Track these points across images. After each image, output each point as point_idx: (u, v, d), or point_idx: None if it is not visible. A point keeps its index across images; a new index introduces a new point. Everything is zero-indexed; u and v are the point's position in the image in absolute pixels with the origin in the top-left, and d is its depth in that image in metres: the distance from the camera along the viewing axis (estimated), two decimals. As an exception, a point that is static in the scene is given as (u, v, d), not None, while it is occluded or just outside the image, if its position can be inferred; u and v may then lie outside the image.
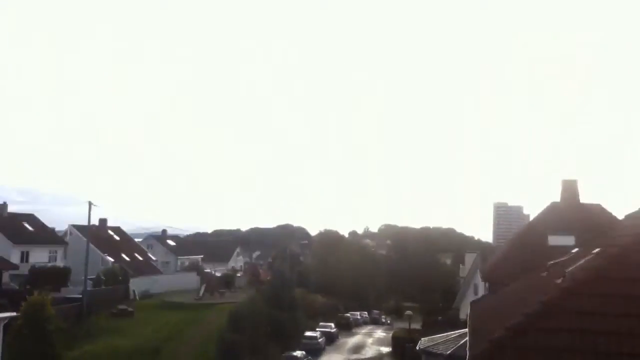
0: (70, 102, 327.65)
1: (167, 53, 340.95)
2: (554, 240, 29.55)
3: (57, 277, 61.79)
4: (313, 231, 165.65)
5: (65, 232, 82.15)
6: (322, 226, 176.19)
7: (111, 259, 76.50)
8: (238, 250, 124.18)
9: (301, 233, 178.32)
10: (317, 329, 60.43)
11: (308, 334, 56.92)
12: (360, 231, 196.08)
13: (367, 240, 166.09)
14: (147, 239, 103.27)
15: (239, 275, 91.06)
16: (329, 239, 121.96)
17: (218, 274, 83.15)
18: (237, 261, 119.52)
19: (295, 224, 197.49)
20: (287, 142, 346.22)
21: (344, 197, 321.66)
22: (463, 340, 24.72)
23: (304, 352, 50.01)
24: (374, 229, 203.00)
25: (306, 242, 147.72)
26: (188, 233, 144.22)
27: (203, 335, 49.48)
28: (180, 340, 48.42)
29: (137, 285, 66.14)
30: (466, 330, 20.23)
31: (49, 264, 68.06)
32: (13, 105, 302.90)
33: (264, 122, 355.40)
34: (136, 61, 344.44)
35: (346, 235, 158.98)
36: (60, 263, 70.40)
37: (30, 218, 76.10)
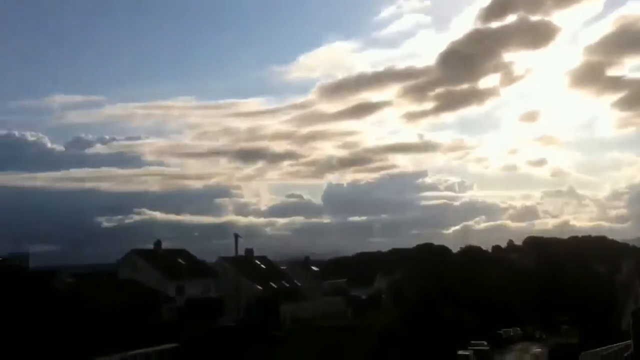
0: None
1: None
2: None
3: (211, 307, 64.63)
4: (455, 248, 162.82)
5: (215, 264, 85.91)
6: (463, 243, 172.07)
7: (260, 287, 79.01)
8: (381, 272, 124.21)
9: (442, 251, 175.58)
10: (469, 347, 59.07)
11: (460, 352, 55.80)
12: (503, 245, 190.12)
13: (513, 255, 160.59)
14: (291, 266, 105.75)
15: (383, 296, 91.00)
16: (472, 255, 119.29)
17: (363, 297, 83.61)
18: (381, 282, 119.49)
19: (436, 242, 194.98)
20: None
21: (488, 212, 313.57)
22: (627, 352, 23.34)
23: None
24: (518, 242, 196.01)
25: (448, 260, 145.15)
26: (330, 257, 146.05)
27: (355, 357, 49.76)
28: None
29: (286, 311, 67.79)
30: (630, 341, 19.05)
31: (204, 295, 71.31)
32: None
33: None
34: None
35: (489, 250, 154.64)
36: (213, 294, 73.59)
37: (182, 253, 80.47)
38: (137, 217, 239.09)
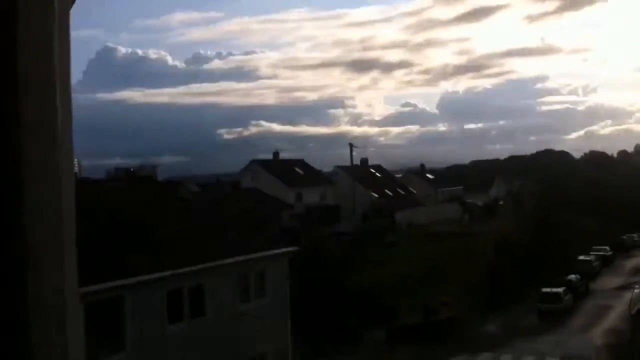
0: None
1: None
2: None
3: (328, 214, 66.54)
4: (577, 154, 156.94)
5: (332, 173, 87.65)
6: (587, 148, 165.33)
7: (375, 195, 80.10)
8: (498, 179, 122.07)
9: (564, 157, 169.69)
10: (591, 253, 57.86)
11: (582, 257, 54.84)
12: (630, 150, 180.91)
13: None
14: (406, 175, 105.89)
15: (500, 203, 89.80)
16: (596, 160, 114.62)
17: (480, 204, 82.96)
18: (499, 190, 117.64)
19: (557, 148, 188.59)
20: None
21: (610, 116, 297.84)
22: None
23: (578, 276, 48.39)
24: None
25: (570, 167, 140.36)
26: (445, 166, 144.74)
27: (471, 263, 50.11)
28: (449, 267, 49.59)
29: (401, 218, 68.62)
30: None
31: (321, 203, 73.37)
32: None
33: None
34: None
35: (614, 155, 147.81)
36: (330, 201, 75.51)
37: (300, 162, 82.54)
38: (254, 130, 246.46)
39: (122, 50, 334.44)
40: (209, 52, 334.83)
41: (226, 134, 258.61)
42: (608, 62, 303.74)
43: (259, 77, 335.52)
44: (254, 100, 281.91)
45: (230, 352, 24.17)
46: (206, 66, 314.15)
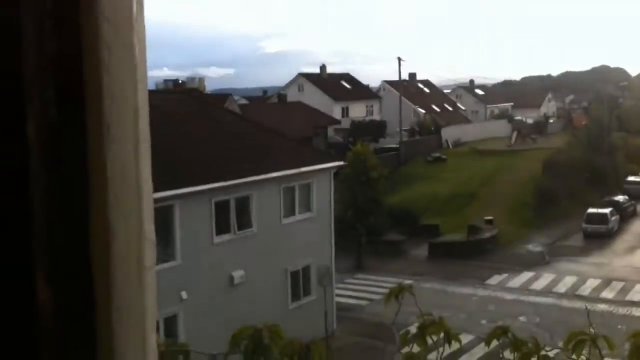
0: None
1: None
2: None
3: (374, 129, 66.25)
4: (634, 71, 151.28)
5: (379, 88, 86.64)
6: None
7: (422, 111, 79.18)
8: (549, 96, 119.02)
9: (619, 74, 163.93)
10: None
11: (631, 178, 53.80)
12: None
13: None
14: (455, 90, 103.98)
15: (551, 121, 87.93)
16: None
17: (529, 121, 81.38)
18: (549, 107, 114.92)
19: (613, 64, 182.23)
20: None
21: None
22: None
23: (626, 197, 47.64)
24: None
25: (626, 84, 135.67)
26: (496, 82, 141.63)
27: (517, 181, 49.67)
28: (495, 186, 49.28)
29: (448, 134, 67.84)
30: None
31: (367, 118, 72.98)
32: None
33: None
34: None
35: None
36: (376, 117, 75.02)
37: (347, 77, 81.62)
38: (300, 42, 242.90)
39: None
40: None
41: (271, 46, 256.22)
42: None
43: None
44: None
45: (274, 263, 24.82)
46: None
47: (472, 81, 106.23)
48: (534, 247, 41.69)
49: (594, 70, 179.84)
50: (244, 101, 71.54)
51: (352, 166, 39.49)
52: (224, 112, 32.80)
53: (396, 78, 68.29)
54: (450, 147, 65.03)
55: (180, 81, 77.08)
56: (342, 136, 62.93)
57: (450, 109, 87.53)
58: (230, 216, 23.41)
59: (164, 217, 20.02)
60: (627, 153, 61.73)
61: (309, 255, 26.46)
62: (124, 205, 0.73)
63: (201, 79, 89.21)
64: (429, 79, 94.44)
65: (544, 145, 61.96)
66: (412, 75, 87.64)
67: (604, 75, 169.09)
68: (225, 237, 23.21)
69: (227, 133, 25.94)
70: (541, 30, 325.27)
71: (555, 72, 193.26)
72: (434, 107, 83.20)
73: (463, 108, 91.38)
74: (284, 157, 25.95)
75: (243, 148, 24.88)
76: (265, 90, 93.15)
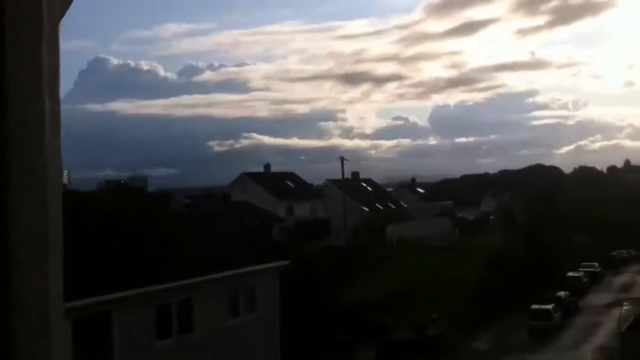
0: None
1: None
2: None
3: (319, 227, 66.35)
4: (567, 169, 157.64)
5: (322, 187, 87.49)
6: (576, 164, 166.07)
7: (366, 209, 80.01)
8: (488, 194, 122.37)
9: (554, 172, 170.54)
10: (580, 269, 57.95)
11: (570, 274, 54.90)
12: (620, 165, 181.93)
13: (630, 175, 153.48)
14: (397, 188, 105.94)
15: (491, 218, 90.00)
16: (586, 175, 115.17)
17: (470, 218, 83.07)
18: (489, 205, 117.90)
19: (547, 163, 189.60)
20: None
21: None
22: None
23: (567, 293, 48.40)
24: (636, 162, 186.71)
25: (560, 182, 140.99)
26: (436, 180, 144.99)
27: (461, 277, 50.02)
28: (440, 282, 49.46)
29: (392, 232, 68.51)
30: None
31: (312, 216, 73.18)
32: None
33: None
34: None
35: (604, 170, 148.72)
36: (320, 215, 75.33)
37: (291, 176, 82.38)
38: (246, 142, 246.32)
39: (114, 61, 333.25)
40: (200, 64, 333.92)
41: (217, 146, 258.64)
42: (598, 77, 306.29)
43: (250, 90, 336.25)
44: (245, 113, 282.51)
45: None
46: (198, 78, 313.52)
47: (413, 179, 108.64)
48: (481, 344, 41.53)
49: (530, 168, 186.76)
50: (188, 201, 71.00)
51: (297, 265, 39.07)
52: (167, 212, 32.45)
53: (339, 177, 69.38)
54: (395, 244, 65.56)
55: (122, 181, 76.37)
56: (286, 235, 62.76)
57: (393, 207, 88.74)
58: (172, 319, 22.66)
59: (101, 322, 19.22)
60: (566, 249, 63.33)
61: (256, 356, 25.69)
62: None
63: (144, 179, 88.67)
64: (372, 178, 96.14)
65: (485, 243, 63.02)
66: (356, 174, 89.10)
67: (539, 173, 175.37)
68: (167, 341, 22.37)
69: (168, 234, 25.52)
70: (479, 132, 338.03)
71: (493, 170, 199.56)
72: (377, 205, 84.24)
73: (405, 206, 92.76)
74: (228, 258, 25.57)
75: (186, 249, 24.46)
76: (209, 190, 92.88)
